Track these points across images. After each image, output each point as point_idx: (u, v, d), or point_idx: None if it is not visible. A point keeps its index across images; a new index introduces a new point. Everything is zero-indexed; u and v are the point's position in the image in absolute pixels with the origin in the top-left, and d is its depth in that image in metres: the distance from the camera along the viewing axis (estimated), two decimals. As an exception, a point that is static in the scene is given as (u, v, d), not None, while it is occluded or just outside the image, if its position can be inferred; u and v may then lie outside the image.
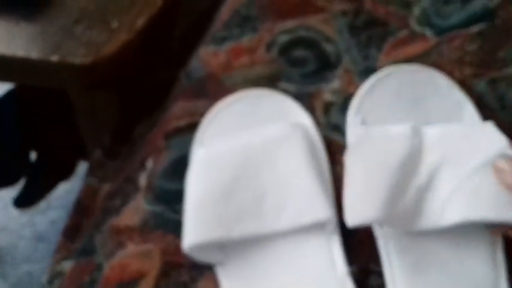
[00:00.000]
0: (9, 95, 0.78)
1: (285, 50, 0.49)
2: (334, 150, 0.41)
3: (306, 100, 0.45)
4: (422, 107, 0.42)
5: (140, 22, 0.54)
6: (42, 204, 1.11)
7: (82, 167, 0.95)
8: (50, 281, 0.48)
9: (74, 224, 0.55)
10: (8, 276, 1.04)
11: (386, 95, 0.43)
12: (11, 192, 1.13)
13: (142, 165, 0.45)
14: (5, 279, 1.03)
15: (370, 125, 0.41)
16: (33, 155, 0.87)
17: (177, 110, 0.47)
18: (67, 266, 0.47)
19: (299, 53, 0.49)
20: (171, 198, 0.42)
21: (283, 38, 0.50)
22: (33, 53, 0.52)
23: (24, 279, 1.03)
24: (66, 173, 0.87)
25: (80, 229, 0.53)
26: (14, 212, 1.12)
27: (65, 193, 1.11)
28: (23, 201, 0.90)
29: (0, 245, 1.08)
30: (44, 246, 1.07)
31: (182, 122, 0.46)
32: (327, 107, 0.45)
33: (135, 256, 0.39)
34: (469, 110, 0.42)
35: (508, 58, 0.46)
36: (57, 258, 0.50)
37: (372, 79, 0.44)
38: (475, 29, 0.48)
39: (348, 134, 0.42)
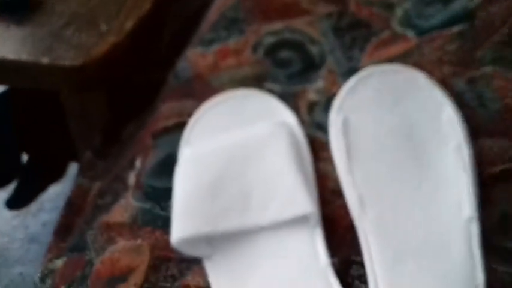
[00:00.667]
0: (0, 97, 0.79)
1: (271, 51, 0.50)
2: (318, 147, 0.43)
3: (290, 100, 0.46)
4: (403, 106, 0.43)
5: (129, 25, 0.56)
6: (34, 206, 1.11)
7: (72, 169, 0.96)
8: (43, 279, 0.49)
9: (65, 223, 0.56)
10: (1, 278, 1.04)
11: (368, 95, 0.44)
12: (2, 194, 1.14)
13: (131, 164, 0.46)
14: (-3, 280, 1.04)
15: (351, 124, 0.42)
16: (24, 157, 0.88)
17: (165, 110, 0.48)
18: (59, 263, 0.48)
19: (284, 54, 0.50)
20: (160, 195, 0.43)
21: (269, 40, 0.51)
22: (24, 56, 0.53)
23: (16, 280, 1.03)
24: (57, 174, 0.87)
25: (71, 228, 0.54)
26: (6, 214, 1.12)
27: (56, 195, 1.11)
28: (15, 203, 0.91)
29: (-8, 247, 1.09)
30: (35, 248, 1.07)
31: (170, 122, 0.47)
32: (311, 106, 0.46)
33: (125, 251, 0.40)
34: (448, 110, 0.43)
35: (486, 57, 0.47)
36: (49, 257, 0.51)
37: (354, 79, 0.45)
38: (455, 29, 0.49)
39: (330, 133, 0.43)
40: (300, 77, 0.49)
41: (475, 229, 0.38)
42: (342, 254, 0.37)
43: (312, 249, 0.37)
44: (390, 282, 0.35)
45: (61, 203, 1.17)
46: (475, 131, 0.43)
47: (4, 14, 0.58)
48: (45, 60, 0.52)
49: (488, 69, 0.47)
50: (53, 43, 0.54)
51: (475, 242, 0.37)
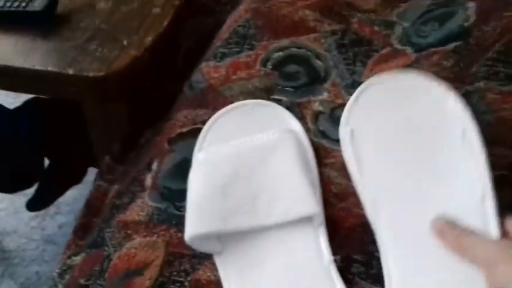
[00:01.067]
0: (27, 105, 0.80)
1: (279, 65, 0.51)
2: (322, 153, 0.44)
3: (297, 110, 0.47)
4: (406, 107, 0.43)
5: (148, 40, 0.57)
6: (51, 209, 1.12)
7: (89, 175, 0.96)
8: (61, 274, 0.49)
9: (83, 223, 0.56)
10: (18, 276, 1.05)
11: (370, 104, 0.44)
12: (22, 198, 1.15)
13: (148, 167, 0.47)
14: (14, 279, 1.04)
15: (357, 134, 0.43)
16: (46, 162, 0.89)
17: (181, 118, 0.49)
18: (77, 260, 0.49)
19: (291, 68, 0.51)
20: (174, 196, 0.44)
21: (277, 55, 0.52)
22: (50, 67, 0.54)
23: (32, 279, 1.04)
24: (76, 179, 0.88)
25: (89, 228, 0.55)
26: (24, 216, 1.13)
27: (72, 199, 1.12)
28: (35, 205, 0.92)
29: (11, 247, 1.09)
30: (51, 249, 1.08)
31: (185, 129, 0.48)
32: (316, 116, 0.47)
33: (141, 247, 0.41)
34: (450, 100, 0.42)
35: (480, 73, 0.48)
36: (68, 254, 0.52)
37: (356, 92, 0.45)
38: (451, 46, 0.50)
39: (341, 147, 0.43)
40: (306, 89, 0.49)
41: (490, 207, 0.37)
42: (343, 252, 0.38)
43: (316, 247, 0.37)
44: (405, 279, 0.36)
45: (77, 206, 1.18)
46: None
47: (30, 27, 0.60)
48: (70, 71, 0.53)
49: (482, 84, 0.48)
50: (77, 56, 0.55)
51: (492, 220, 0.37)
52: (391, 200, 0.39)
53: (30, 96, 0.85)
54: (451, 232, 0.37)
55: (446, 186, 0.39)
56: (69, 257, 0.51)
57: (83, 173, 0.88)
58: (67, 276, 0.48)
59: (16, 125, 0.79)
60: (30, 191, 1.08)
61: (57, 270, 0.51)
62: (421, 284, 0.36)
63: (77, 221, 0.57)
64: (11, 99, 0.99)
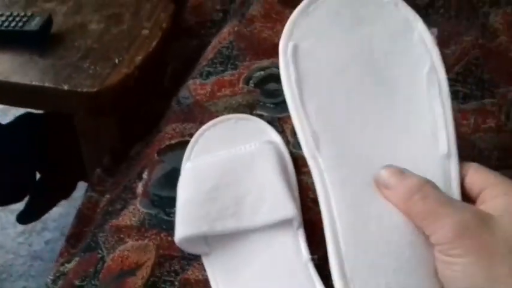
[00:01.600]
0: (19, 120, 0.82)
1: (260, 83, 0.54)
2: (300, 163, 0.46)
3: (277, 124, 0.50)
4: (365, 27, 0.35)
5: (138, 59, 0.60)
6: (38, 225, 1.13)
7: (75, 192, 0.97)
8: (54, 281, 0.51)
9: (75, 232, 0.58)
10: (5, 291, 1.05)
11: (321, 17, 0.36)
12: (8, 214, 1.15)
13: (139, 176, 0.49)
14: (1, 294, 1.04)
15: (302, 51, 0.35)
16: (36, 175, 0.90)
17: (169, 131, 0.52)
18: (70, 266, 0.50)
19: (271, 86, 0.54)
20: (164, 203, 0.46)
21: (259, 74, 0.55)
22: (47, 83, 0.57)
23: (19, 294, 1.04)
24: (66, 192, 0.90)
25: (81, 236, 0.56)
26: (11, 232, 1.13)
27: (59, 216, 1.13)
28: (26, 218, 0.92)
29: (-2, 263, 1.09)
30: (38, 264, 1.08)
31: (173, 141, 0.51)
32: (294, 129, 0.50)
33: (133, 250, 0.43)
34: (419, 29, 0.35)
35: None
36: (61, 261, 0.53)
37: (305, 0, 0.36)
38: None
39: (279, 65, 0.36)
40: (285, 105, 0.52)
41: (454, 167, 0.32)
42: (320, 252, 0.40)
43: (295, 247, 0.40)
44: (352, 226, 0.31)
45: (64, 222, 1.19)
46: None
47: (27, 46, 0.62)
48: (65, 86, 0.56)
49: None
50: (72, 73, 0.57)
51: (454, 182, 0.32)
52: (338, 136, 0.32)
53: (19, 112, 0.86)
54: (400, 185, 0.31)
55: (406, 130, 0.32)
56: (62, 264, 0.52)
57: (73, 187, 0.89)
58: (60, 282, 0.50)
59: (9, 139, 0.80)
60: (16, 207, 1.08)
61: (50, 277, 0.52)
62: (369, 239, 0.31)
63: (69, 230, 0.59)
64: None
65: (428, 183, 0.32)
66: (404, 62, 0.34)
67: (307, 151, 0.33)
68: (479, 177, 0.34)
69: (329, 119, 0.33)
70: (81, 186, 0.95)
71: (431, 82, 0.33)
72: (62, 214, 1.13)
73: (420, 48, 0.35)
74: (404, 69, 0.34)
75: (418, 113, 0.33)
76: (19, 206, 1.00)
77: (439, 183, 0.32)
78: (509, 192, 0.32)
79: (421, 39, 0.35)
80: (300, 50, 0.34)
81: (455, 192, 0.33)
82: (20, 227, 1.13)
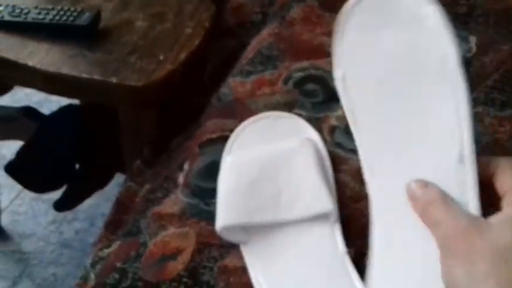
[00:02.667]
0: (61, 111, 0.84)
1: (299, 83, 0.55)
2: (337, 161, 0.47)
3: (315, 123, 0.51)
4: (407, 33, 0.37)
5: (182, 56, 0.61)
6: (69, 215, 1.16)
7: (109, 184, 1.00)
8: (93, 265, 0.53)
9: (114, 219, 0.60)
10: (35, 277, 1.07)
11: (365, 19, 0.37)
12: (40, 203, 1.19)
13: (180, 167, 0.51)
14: (32, 279, 1.07)
15: (349, 79, 0.38)
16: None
17: (210, 125, 0.53)
18: (108, 251, 0.52)
19: (310, 86, 0.55)
20: (204, 193, 0.47)
21: (298, 74, 0.56)
22: (96, 75, 0.59)
23: (49, 280, 1.07)
24: (102, 183, 0.92)
25: (119, 223, 0.58)
26: (43, 220, 1.17)
27: (88, 207, 1.16)
28: (63, 205, 0.95)
29: (30, 249, 1.12)
30: (68, 252, 1.11)
31: (214, 135, 0.52)
32: (332, 129, 0.51)
33: (175, 236, 0.45)
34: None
35: (479, 99, 0.51)
36: (100, 246, 0.55)
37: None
38: None
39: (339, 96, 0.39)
40: (323, 105, 0.53)
41: (469, 170, 0.34)
42: (356, 247, 0.41)
43: (332, 240, 0.41)
44: (384, 251, 0.35)
45: (93, 213, 1.22)
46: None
47: (77, 40, 0.64)
48: (113, 80, 0.58)
49: (480, 108, 0.51)
50: (119, 67, 0.59)
51: (470, 188, 0.34)
52: (384, 162, 0.36)
53: (53, 105, 0.88)
54: (422, 197, 0.34)
55: (423, 139, 0.35)
56: (100, 249, 0.54)
57: (110, 178, 0.92)
58: (99, 266, 0.52)
59: (51, 130, 0.83)
60: (48, 197, 1.11)
61: (89, 261, 0.54)
62: (401, 256, 0.35)
63: (107, 217, 0.61)
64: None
65: (444, 195, 0.34)
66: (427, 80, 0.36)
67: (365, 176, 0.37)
68: (504, 178, 0.35)
69: (379, 147, 0.37)
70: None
71: (445, 74, 0.36)
72: (91, 205, 1.16)
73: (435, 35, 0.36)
74: (428, 89, 0.36)
75: (438, 117, 0.36)
76: (51, 196, 1.03)
77: (455, 189, 0.34)
78: None
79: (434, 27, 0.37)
80: (347, 78, 0.38)
81: (470, 197, 0.34)
82: (51, 216, 1.16)
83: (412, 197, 0.35)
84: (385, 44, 0.37)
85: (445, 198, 0.34)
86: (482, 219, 0.34)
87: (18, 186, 1.06)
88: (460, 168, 0.35)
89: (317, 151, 0.46)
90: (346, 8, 0.38)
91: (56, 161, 0.86)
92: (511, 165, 0.35)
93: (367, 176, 0.38)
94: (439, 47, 0.37)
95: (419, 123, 0.36)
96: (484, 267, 0.31)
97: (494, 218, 0.33)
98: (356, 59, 0.38)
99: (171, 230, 0.45)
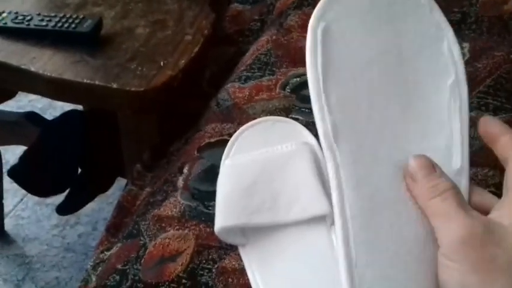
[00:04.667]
0: (64, 117, 0.85)
1: (296, 89, 0.55)
2: (334, 164, 0.47)
3: (311, 128, 0.51)
4: (399, 23, 0.33)
5: (182, 62, 0.62)
6: (72, 219, 1.16)
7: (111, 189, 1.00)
8: (94, 267, 0.53)
9: (115, 222, 0.60)
10: (38, 280, 1.07)
11: (359, 2, 0.33)
12: (44, 207, 1.19)
13: (180, 171, 0.51)
14: (35, 282, 1.07)
15: (333, 34, 0.32)
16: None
17: (209, 130, 0.54)
18: (109, 254, 0.52)
19: (307, 92, 0.54)
20: (203, 196, 0.47)
21: (295, 80, 0.56)
22: (97, 81, 0.59)
23: (52, 283, 1.06)
24: (104, 187, 0.92)
25: (120, 226, 0.58)
26: (46, 224, 1.16)
27: (92, 211, 1.16)
28: (65, 209, 0.95)
29: (33, 252, 1.12)
30: (71, 256, 1.11)
31: (213, 139, 0.52)
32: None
33: (174, 238, 0.45)
34: (449, 39, 0.33)
35: (472, 104, 0.52)
36: (101, 249, 0.55)
37: None
38: None
39: (306, 46, 0.34)
40: (320, 110, 0.53)
41: (464, 183, 0.32)
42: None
43: (329, 241, 0.41)
44: (364, 231, 0.31)
45: (96, 217, 1.22)
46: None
47: (78, 47, 0.65)
48: (114, 85, 0.58)
49: (473, 113, 0.50)
50: (120, 72, 0.60)
51: (464, 197, 0.32)
52: (357, 132, 0.31)
53: (56, 111, 0.88)
54: (426, 181, 0.30)
55: (423, 139, 0.31)
56: (102, 252, 0.54)
57: (111, 182, 0.92)
58: (100, 268, 0.52)
59: (54, 135, 0.83)
60: (51, 200, 1.11)
61: (91, 263, 0.54)
62: (379, 248, 0.31)
63: (109, 220, 0.61)
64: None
65: (454, 188, 0.31)
66: (430, 69, 0.33)
67: (325, 141, 0.32)
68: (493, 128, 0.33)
69: (350, 113, 0.32)
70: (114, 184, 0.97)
71: (454, 95, 0.32)
72: (94, 209, 1.16)
73: (447, 58, 0.33)
74: (429, 76, 0.33)
75: (436, 123, 0.32)
76: (54, 200, 1.03)
77: None
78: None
79: (449, 49, 0.34)
80: (331, 33, 0.32)
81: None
82: (54, 220, 1.16)
83: (411, 176, 0.31)
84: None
85: (457, 193, 0.31)
86: (495, 221, 0.30)
87: (22, 191, 1.06)
88: (456, 178, 0.32)
89: (314, 155, 0.46)
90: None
91: (59, 165, 0.86)
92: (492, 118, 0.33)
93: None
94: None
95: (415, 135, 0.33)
96: (504, 280, 0.29)
97: (507, 219, 0.30)
98: (351, 20, 0.33)
99: (171, 232, 0.45)
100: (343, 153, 0.32)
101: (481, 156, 0.48)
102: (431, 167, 0.31)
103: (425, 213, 0.31)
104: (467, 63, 0.55)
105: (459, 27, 0.57)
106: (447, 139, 0.32)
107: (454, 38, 0.34)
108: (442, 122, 0.32)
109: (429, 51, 0.33)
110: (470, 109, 0.50)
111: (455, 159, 0.32)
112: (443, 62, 0.33)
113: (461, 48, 0.55)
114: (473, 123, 0.49)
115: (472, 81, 0.54)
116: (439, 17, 0.34)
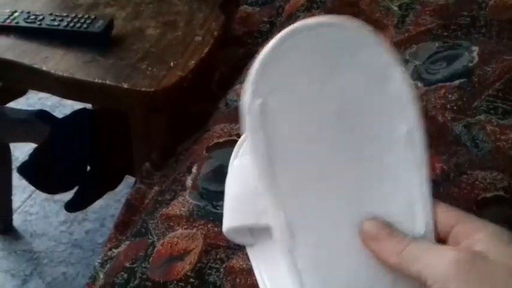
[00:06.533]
0: (74, 115, 0.85)
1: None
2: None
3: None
4: (341, 78, 0.28)
5: (191, 63, 0.62)
6: (79, 216, 1.16)
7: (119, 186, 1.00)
8: (102, 264, 0.52)
9: (124, 220, 0.60)
10: (46, 275, 1.07)
11: (295, 63, 0.28)
12: (52, 204, 1.19)
13: (188, 171, 0.51)
14: (42, 278, 1.07)
15: (270, 110, 0.29)
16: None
17: (218, 130, 0.53)
18: (118, 251, 0.52)
19: None
20: (211, 196, 0.47)
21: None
22: (108, 81, 0.59)
23: (59, 279, 1.06)
24: (112, 185, 0.92)
25: (129, 224, 0.58)
26: (54, 221, 1.17)
27: (99, 208, 1.16)
28: (74, 207, 0.95)
29: (41, 248, 1.12)
30: (78, 252, 1.11)
31: (221, 139, 0.52)
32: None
33: (182, 237, 0.44)
34: (397, 79, 0.29)
35: (481, 107, 0.51)
36: (109, 246, 0.55)
37: (273, 41, 0.29)
38: (457, 83, 0.53)
39: (246, 126, 0.31)
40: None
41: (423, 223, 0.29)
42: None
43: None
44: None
45: (104, 214, 1.22)
46: (471, 164, 0.46)
47: (90, 47, 0.65)
48: (125, 85, 0.58)
49: (482, 117, 0.50)
50: (131, 73, 0.59)
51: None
52: (312, 227, 0.30)
53: (66, 110, 0.88)
54: (391, 237, 0.29)
55: (382, 207, 0.29)
56: (110, 249, 0.54)
57: (120, 180, 0.92)
58: (108, 266, 0.51)
59: (64, 133, 0.83)
60: (59, 197, 1.11)
61: (99, 261, 0.53)
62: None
63: (117, 218, 0.60)
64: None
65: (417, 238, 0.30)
66: (381, 120, 0.28)
67: (282, 242, 0.31)
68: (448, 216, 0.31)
69: (303, 202, 0.30)
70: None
71: (408, 147, 0.28)
72: (102, 206, 1.15)
73: (397, 104, 0.28)
74: (380, 130, 0.28)
75: (392, 184, 0.28)
76: (63, 196, 1.03)
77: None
78: (480, 228, 0.30)
79: (398, 92, 0.29)
80: (269, 109, 0.29)
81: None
82: (62, 217, 1.16)
83: (373, 237, 0.30)
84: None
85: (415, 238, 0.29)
86: (469, 246, 0.29)
87: (31, 187, 1.06)
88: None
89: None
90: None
91: (68, 163, 0.86)
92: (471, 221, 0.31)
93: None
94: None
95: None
96: (507, 285, 0.29)
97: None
98: (289, 87, 0.29)
99: (179, 231, 0.45)
100: (302, 257, 0.30)
101: (490, 159, 0.47)
102: (390, 227, 0.30)
103: (400, 268, 0.29)
104: (477, 67, 0.54)
105: (468, 31, 0.57)
106: (407, 199, 0.28)
107: (401, 76, 0.29)
108: (399, 181, 0.28)
109: (376, 100, 0.28)
110: (479, 113, 0.51)
111: (419, 222, 0.28)
112: (392, 109, 0.28)
113: (471, 51, 0.55)
114: (482, 127, 0.50)
115: (481, 84, 0.54)
116: (385, 56, 0.28)
